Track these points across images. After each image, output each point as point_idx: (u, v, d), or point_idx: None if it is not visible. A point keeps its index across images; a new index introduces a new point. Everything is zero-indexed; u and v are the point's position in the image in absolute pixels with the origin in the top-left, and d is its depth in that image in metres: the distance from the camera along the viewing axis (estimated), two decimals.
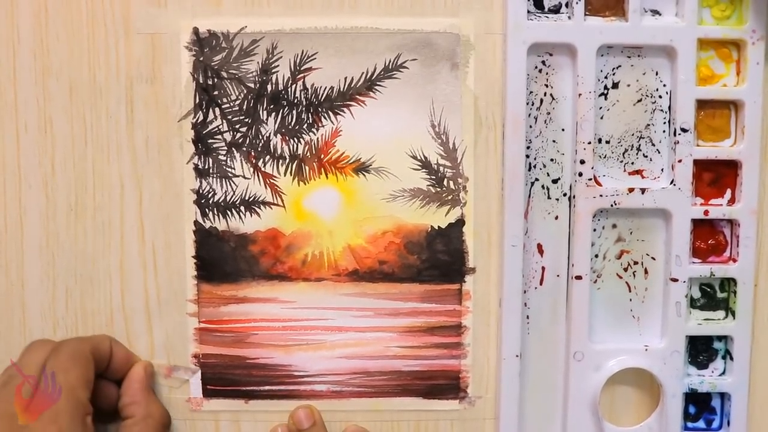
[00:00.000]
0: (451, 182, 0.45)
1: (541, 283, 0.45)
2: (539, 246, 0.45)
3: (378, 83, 0.44)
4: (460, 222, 0.45)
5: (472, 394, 0.46)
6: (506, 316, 0.44)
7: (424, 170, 0.45)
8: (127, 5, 0.44)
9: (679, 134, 0.44)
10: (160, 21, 0.44)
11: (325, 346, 0.46)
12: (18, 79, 0.45)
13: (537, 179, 0.45)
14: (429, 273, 0.45)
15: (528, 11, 0.43)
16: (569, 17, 0.43)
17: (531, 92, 0.44)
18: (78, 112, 0.45)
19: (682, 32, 0.43)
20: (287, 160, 0.45)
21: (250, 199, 0.45)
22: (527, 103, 0.44)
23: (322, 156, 0.45)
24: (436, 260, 0.45)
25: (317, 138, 0.45)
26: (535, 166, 0.45)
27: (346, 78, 0.44)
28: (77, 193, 0.45)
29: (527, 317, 0.45)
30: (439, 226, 0.45)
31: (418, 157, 0.45)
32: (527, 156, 0.44)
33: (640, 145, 0.45)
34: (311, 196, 0.45)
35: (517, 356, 0.45)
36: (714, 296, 0.45)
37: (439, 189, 0.45)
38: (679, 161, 0.44)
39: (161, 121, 0.44)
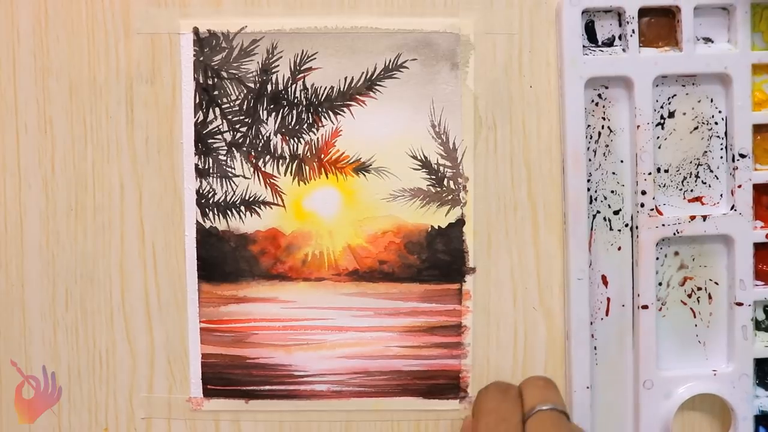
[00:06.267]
0: (451, 182, 0.45)
1: (606, 314, 0.45)
2: (603, 277, 0.45)
3: (378, 83, 0.44)
4: (460, 222, 0.45)
5: (472, 394, 0.46)
6: (575, 349, 0.44)
7: (424, 170, 0.45)
8: (126, 5, 0.44)
9: (738, 160, 0.44)
10: (160, 21, 0.44)
11: (325, 345, 0.46)
12: (18, 79, 0.45)
13: (599, 211, 0.45)
14: (429, 273, 0.45)
15: (583, 46, 0.43)
16: (623, 50, 0.43)
17: (588, 125, 0.44)
18: (78, 112, 0.45)
19: (735, 59, 0.43)
20: (287, 160, 0.45)
21: (250, 199, 0.45)
22: (585, 137, 0.44)
23: (322, 156, 0.45)
24: (436, 260, 0.45)
25: (317, 138, 0.45)
26: (596, 199, 0.45)
27: (346, 78, 0.44)
28: (77, 193, 0.45)
29: (594, 348, 0.45)
30: (439, 226, 0.45)
31: (418, 157, 0.45)
32: (588, 189, 0.44)
33: (698, 172, 0.45)
34: (311, 196, 0.45)
35: (587, 388, 0.44)
36: None
37: (439, 189, 0.45)
38: (739, 186, 0.44)
39: (161, 121, 0.45)
